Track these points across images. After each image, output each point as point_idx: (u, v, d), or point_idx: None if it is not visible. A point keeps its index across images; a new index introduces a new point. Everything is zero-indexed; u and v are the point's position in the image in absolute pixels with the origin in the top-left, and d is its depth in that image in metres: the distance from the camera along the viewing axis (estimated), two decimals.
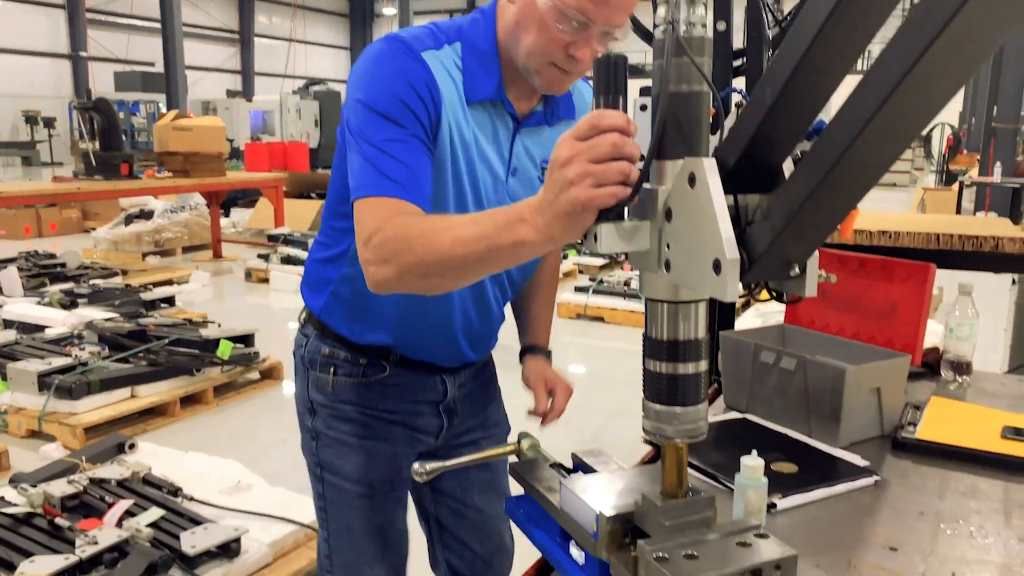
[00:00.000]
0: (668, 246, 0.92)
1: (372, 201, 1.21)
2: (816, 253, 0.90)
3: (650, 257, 0.95)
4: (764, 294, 0.99)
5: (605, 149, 0.90)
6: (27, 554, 2.43)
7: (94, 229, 10.24)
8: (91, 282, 6.76)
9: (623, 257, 1.01)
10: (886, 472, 1.51)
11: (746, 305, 6.46)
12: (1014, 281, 4.01)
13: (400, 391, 1.54)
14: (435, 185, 1.30)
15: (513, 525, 1.34)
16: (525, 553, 1.19)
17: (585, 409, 4.96)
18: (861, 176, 0.76)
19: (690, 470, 1.44)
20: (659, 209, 0.92)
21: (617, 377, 5.51)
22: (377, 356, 1.51)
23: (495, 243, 1.05)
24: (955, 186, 11.55)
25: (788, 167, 0.90)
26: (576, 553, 1.09)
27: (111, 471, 3.04)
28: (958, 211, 10.10)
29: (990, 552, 1.22)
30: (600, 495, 1.07)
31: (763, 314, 5.46)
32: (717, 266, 0.83)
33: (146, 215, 9.66)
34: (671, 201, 0.91)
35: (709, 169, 0.85)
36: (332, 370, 1.51)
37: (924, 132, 20.00)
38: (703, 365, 0.99)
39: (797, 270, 0.89)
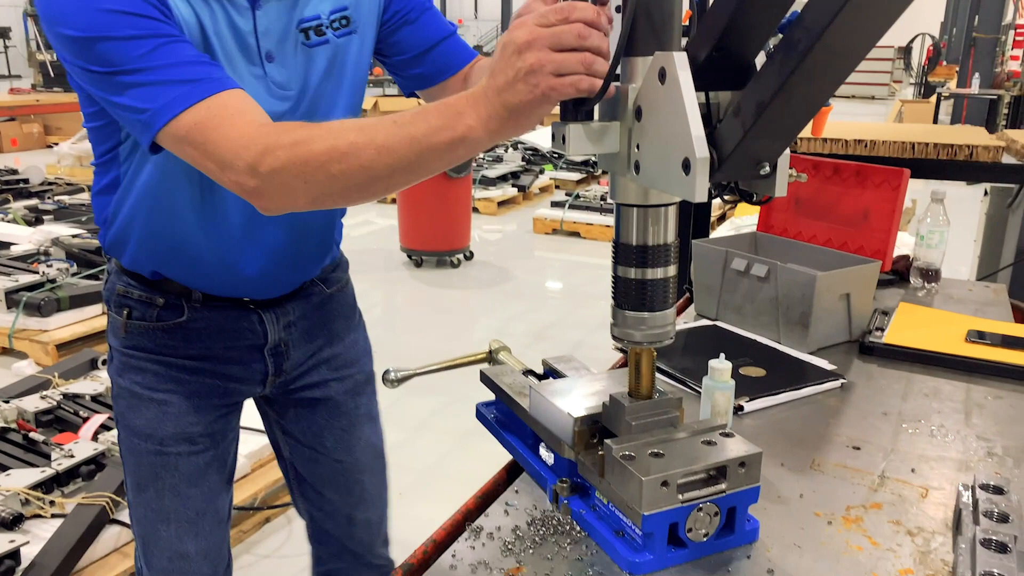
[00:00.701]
0: (638, 147, 0.90)
1: (197, 119, 1.00)
2: (787, 152, 0.89)
3: (620, 159, 0.93)
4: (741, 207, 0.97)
5: (568, 39, 0.84)
6: (3, 468, 2.44)
7: (56, 144, 9.96)
8: (56, 198, 6.61)
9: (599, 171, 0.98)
10: (852, 375, 1.54)
11: (721, 218, 6.48)
12: (986, 192, 4.03)
13: (207, 335, 1.33)
14: None
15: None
16: (494, 457, 1.20)
17: (563, 323, 5.00)
18: (834, 66, 0.74)
19: (659, 375, 1.46)
20: (629, 108, 0.90)
21: (595, 292, 5.55)
22: (176, 295, 1.31)
23: (430, 144, 0.93)
24: (933, 98, 11.48)
25: (760, 63, 0.87)
26: (545, 454, 1.10)
27: (85, 386, 3.03)
28: (935, 123, 10.07)
29: (949, 449, 1.26)
30: (569, 398, 1.07)
31: (738, 227, 5.47)
32: (686, 165, 0.82)
33: None
34: (641, 99, 0.88)
35: (680, 64, 0.82)
36: (126, 312, 1.31)
37: (904, 43, 19.78)
38: (672, 270, 0.98)
39: (767, 169, 0.88)
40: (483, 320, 5.23)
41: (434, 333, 4.90)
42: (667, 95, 0.83)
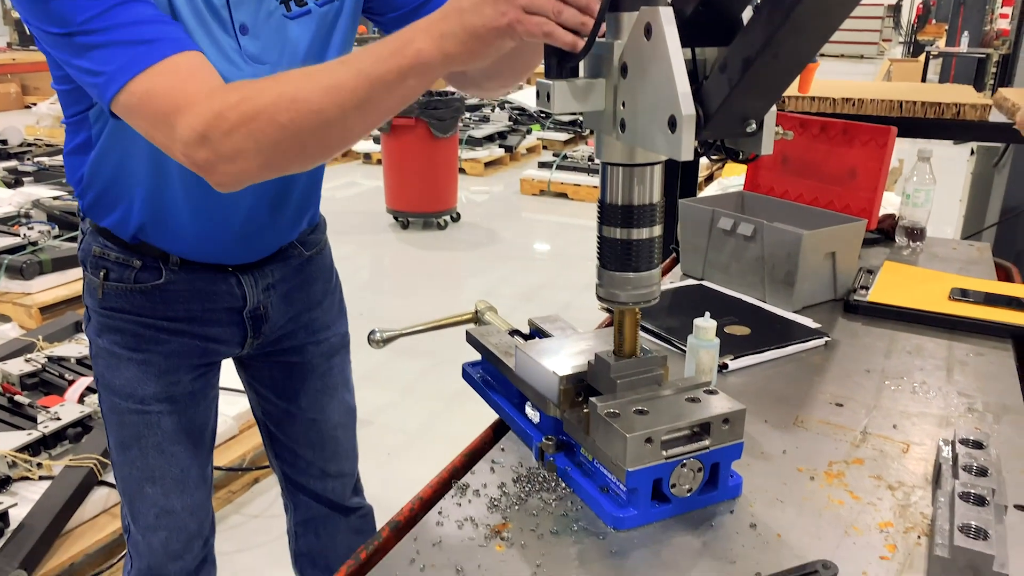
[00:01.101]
0: (623, 104, 0.89)
1: (148, 87, 0.95)
2: (773, 110, 0.88)
3: (605, 117, 0.92)
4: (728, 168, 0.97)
5: None
6: None
7: (35, 104, 9.79)
8: (35, 159, 6.51)
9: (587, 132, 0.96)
10: (837, 333, 1.55)
11: (709, 179, 6.47)
12: (972, 151, 4.03)
13: (184, 297, 1.32)
14: None
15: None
16: (482, 418, 1.21)
17: (551, 285, 5.01)
18: (821, 20, 0.73)
19: (644, 334, 1.47)
20: (614, 64, 0.89)
21: (582, 253, 5.54)
22: (154, 257, 1.28)
23: (379, 75, 0.89)
24: (922, 57, 11.43)
25: (747, 18, 0.86)
26: (531, 413, 1.11)
27: (70, 349, 3.02)
28: (923, 82, 10.04)
29: (930, 405, 1.27)
30: (555, 357, 1.08)
31: (726, 188, 5.47)
32: (672, 123, 0.81)
33: None
34: (626, 55, 0.87)
35: (666, 18, 0.81)
36: (102, 273, 1.30)
37: (894, 1, 19.58)
38: (657, 230, 0.98)
39: (754, 126, 0.87)
40: (470, 282, 5.23)
41: (421, 296, 4.90)
42: (653, 51, 0.82)
